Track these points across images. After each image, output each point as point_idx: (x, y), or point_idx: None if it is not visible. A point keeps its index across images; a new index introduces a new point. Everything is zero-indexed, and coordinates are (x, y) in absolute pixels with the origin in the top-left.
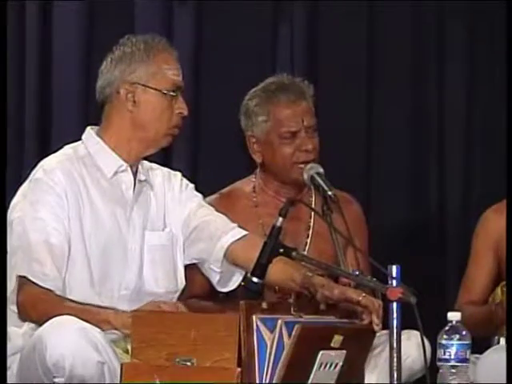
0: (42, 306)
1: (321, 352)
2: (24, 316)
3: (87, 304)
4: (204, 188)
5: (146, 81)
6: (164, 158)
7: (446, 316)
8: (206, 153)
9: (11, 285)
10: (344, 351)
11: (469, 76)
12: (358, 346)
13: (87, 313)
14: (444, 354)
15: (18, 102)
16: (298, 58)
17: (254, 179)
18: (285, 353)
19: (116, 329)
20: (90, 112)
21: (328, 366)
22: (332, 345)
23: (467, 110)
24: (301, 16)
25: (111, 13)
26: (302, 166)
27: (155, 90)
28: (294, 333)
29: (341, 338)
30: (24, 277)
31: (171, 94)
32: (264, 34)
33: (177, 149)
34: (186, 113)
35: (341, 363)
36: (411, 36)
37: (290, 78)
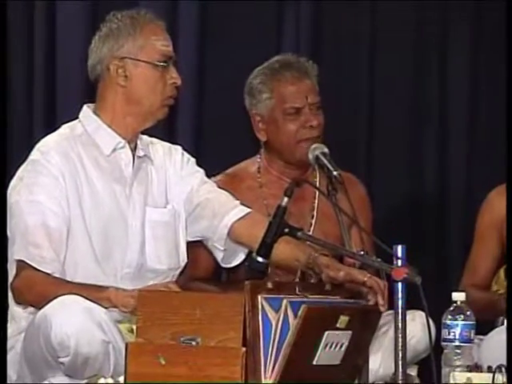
0: (38, 288)
1: (326, 332)
2: (20, 300)
3: (84, 283)
4: (209, 169)
5: (135, 54)
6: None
7: (449, 297)
8: (209, 138)
9: (13, 270)
10: (350, 332)
11: (472, 66)
12: (364, 326)
13: (86, 291)
14: (448, 334)
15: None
16: (304, 44)
17: (258, 160)
18: (290, 333)
19: (116, 307)
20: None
21: (333, 346)
22: (338, 325)
23: (470, 95)
24: (306, 6)
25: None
26: (306, 144)
27: (145, 62)
28: (299, 313)
29: (347, 318)
30: (22, 261)
31: (162, 64)
32: (269, 21)
33: (182, 135)
34: (179, 82)
35: (346, 343)
36: (414, 26)
37: (295, 56)
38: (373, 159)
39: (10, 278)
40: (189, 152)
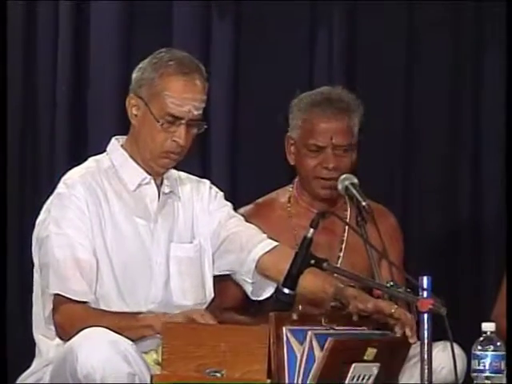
0: (80, 322)
1: (353, 365)
2: (63, 335)
3: (124, 312)
4: (244, 198)
5: (147, 100)
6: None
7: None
8: (245, 160)
9: (42, 303)
10: (378, 364)
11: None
12: (392, 358)
13: (127, 320)
14: (478, 364)
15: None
16: (337, 60)
17: (290, 189)
18: (316, 365)
19: (159, 333)
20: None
21: (361, 378)
22: (365, 357)
23: (505, 121)
24: (339, 19)
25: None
26: (321, 183)
27: (151, 113)
28: (326, 346)
29: (374, 350)
30: (57, 294)
31: (165, 122)
32: (302, 37)
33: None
34: (181, 143)
35: (374, 375)
36: (451, 36)
37: (341, 92)
38: (408, 190)
39: (45, 310)
40: (223, 182)
